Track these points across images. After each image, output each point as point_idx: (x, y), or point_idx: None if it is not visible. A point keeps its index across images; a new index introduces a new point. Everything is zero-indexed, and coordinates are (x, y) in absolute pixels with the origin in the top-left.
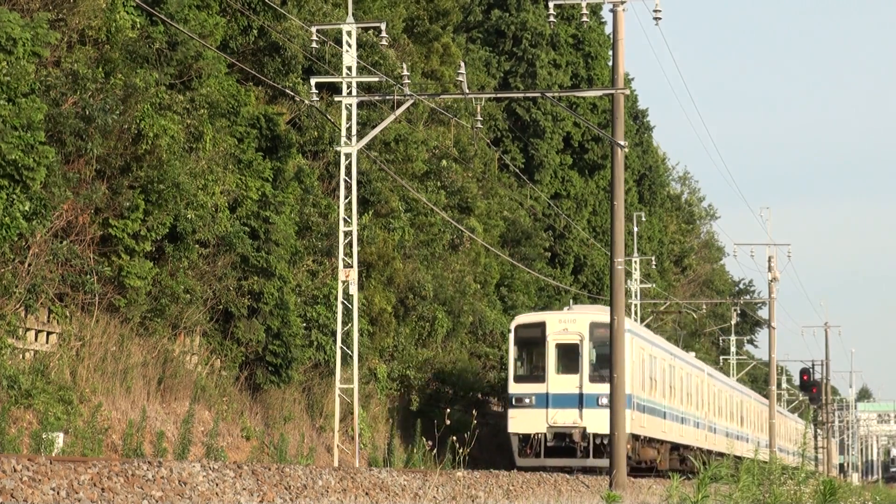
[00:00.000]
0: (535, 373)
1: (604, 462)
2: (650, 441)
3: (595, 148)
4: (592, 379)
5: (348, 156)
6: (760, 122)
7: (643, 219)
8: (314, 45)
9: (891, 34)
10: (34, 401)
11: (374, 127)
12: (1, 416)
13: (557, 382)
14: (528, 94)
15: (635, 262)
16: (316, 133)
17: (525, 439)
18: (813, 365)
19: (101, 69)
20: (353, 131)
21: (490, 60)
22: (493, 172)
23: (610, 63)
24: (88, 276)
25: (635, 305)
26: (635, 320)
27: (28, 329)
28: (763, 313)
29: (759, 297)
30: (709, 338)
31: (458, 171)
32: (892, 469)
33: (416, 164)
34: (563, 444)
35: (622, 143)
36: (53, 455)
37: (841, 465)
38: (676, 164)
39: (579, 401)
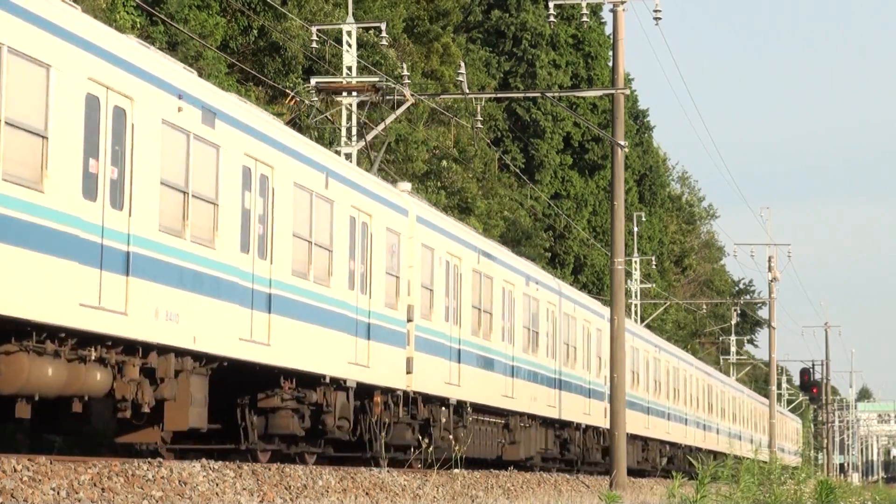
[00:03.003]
0: None
1: None
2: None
3: (595, 148)
4: None
5: (348, 156)
6: (760, 123)
7: (643, 219)
8: (314, 45)
9: (891, 35)
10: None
11: (374, 127)
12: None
13: None
14: (528, 94)
15: (635, 262)
16: (316, 133)
17: None
18: (813, 365)
19: None
20: (354, 131)
21: (490, 60)
22: (493, 172)
23: (610, 63)
24: None
25: (635, 305)
26: (635, 321)
27: None
28: (763, 313)
29: (760, 297)
30: (709, 338)
31: (458, 171)
32: None
33: (416, 164)
34: None
35: (622, 143)
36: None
37: (841, 465)
38: (676, 164)
39: None
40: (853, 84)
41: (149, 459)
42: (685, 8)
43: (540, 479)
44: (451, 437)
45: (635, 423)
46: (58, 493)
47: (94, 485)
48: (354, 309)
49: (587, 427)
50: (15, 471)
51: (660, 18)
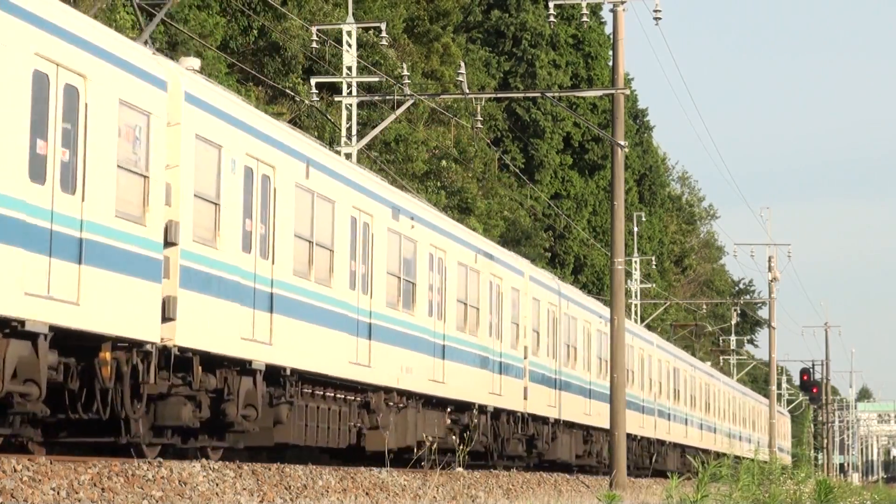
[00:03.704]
0: None
1: None
2: None
3: (595, 148)
4: None
5: (348, 156)
6: (760, 123)
7: (643, 219)
8: (314, 45)
9: (891, 35)
10: None
11: (374, 127)
12: None
13: None
14: (528, 94)
15: (635, 262)
16: (316, 133)
17: None
18: (813, 365)
19: None
20: (354, 131)
21: (490, 60)
22: (493, 172)
23: (610, 63)
24: None
25: (635, 305)
26: (635, 321)
27: None
28: (763, 313)
29: (759, 297)
30: (709, 338)
31: (458, 171)
32: None
33: (416, 164)
34: None
35: (622, 143)
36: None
37: (841, 465)
38: (676, 164)
39: None
40: (853, 84)
41: (149, 460)
42: (685, 8)
43: (540, 479)
44: (259, 414)
45: (573, 409)
46: (58, 493)
47: (94, 485)
48: (43, 213)
49: (499, 411)
50: (15, 471)
51: (660, 18)
